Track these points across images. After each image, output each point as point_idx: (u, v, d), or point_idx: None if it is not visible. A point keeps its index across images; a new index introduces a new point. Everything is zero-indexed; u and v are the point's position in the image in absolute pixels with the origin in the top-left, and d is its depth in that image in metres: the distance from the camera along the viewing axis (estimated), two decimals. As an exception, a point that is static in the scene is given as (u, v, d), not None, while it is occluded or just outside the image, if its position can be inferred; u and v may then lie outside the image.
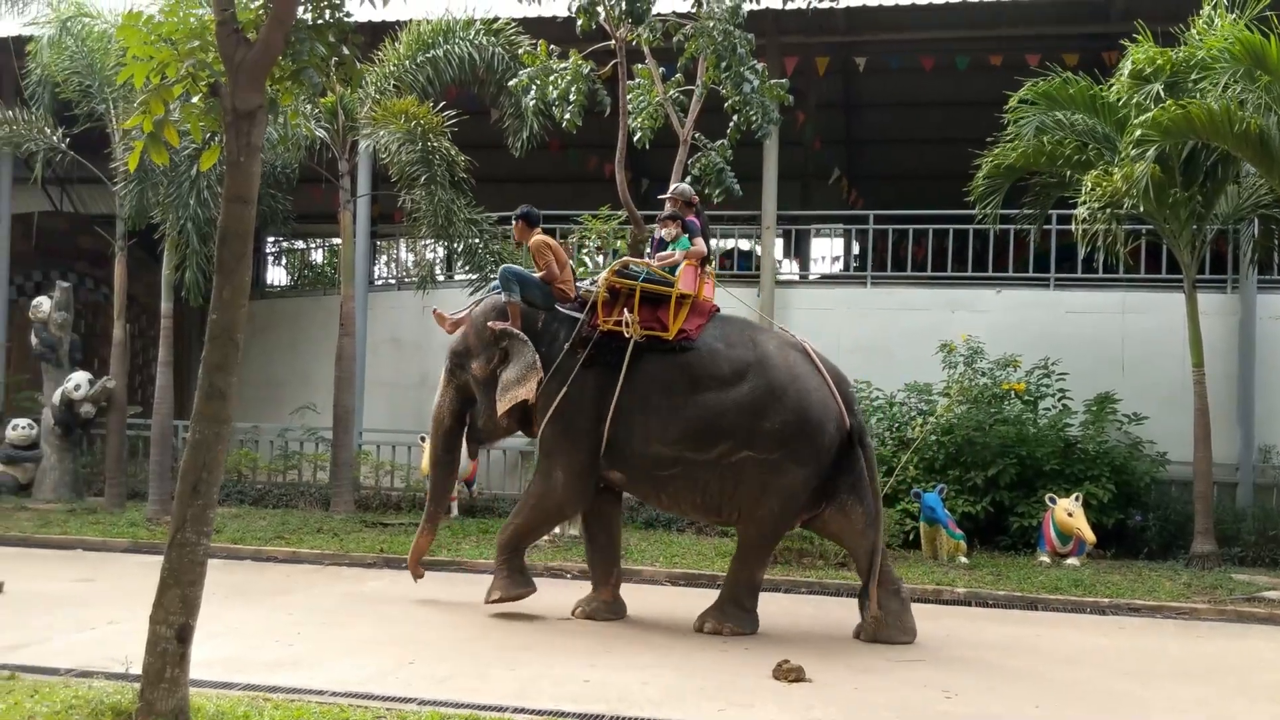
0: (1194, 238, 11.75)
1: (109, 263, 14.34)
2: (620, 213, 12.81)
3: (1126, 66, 11.43)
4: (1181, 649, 8.42)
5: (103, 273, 17.14)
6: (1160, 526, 12.14)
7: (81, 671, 6.23)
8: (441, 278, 16.50)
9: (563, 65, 11.27)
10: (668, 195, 9.11)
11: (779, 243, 16.92)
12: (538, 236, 8.98)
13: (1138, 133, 10.69)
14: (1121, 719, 6.40)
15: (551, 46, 11.59)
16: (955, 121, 18.06)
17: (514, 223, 9.41)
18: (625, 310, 8.26)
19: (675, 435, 8.13)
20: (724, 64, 10.71)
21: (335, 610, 8.67)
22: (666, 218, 8.84)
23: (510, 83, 12.17)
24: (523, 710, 5.91)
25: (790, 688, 6.61)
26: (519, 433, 9.16)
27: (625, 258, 9.28)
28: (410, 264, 19.28)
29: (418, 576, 9.15)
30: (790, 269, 19.45)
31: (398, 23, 13.62)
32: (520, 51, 12.74)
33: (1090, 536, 11.23)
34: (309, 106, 12.22)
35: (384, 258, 21.07)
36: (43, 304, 14.60)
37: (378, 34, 13.72)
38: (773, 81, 11.27)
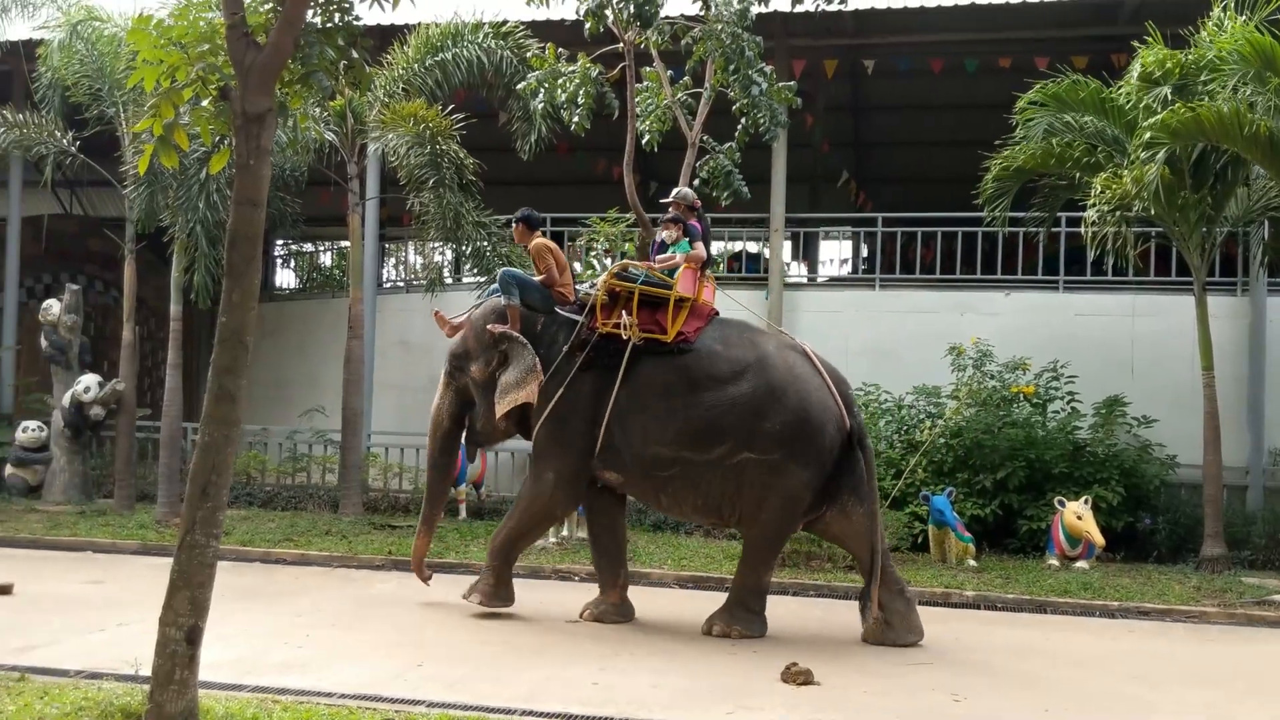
0: (1204, 240, 11.71)
1: (118, 266, 14.37)
2: (628, 215, 12.82)
3: (1136, 69, 11.41)
4: (1191, 653, 8.40)
5: (112, 275, 17.20)
6: (1170, 530, 12.11)
7: (91, 673, 6.25)
8: (450, 280, 16.50)
9: (571, 68, 11.29)
10: (670, 199, 9.12)
11: (787, 245, 16.91)
12: (538, 239, 9.02)
13: (1147, 135, 10.66)
14: (1131, 723, 6.39)
15: (560, 50, 11.61)
16: (964, 124, 18.04)
17: (514, 225, 9.46)
18: (624, 313, 8.28)
19: (673, 436, 8.14)
20: (732, 67, 10.72)
21: (344, 612, 8.68)
22: (668, 220, 8.88)
23: (519, 86, 12.19)
24: (532, 713, 5.93)
25: (799, 691, 6.60)
26: (517, 435, 9.16)
27: (624, 260, 9.30)
28: (419, 267, 19.28)
29: (425, 579, 9.17)
30: (799, 271, 19.44)
31: (406, 26, 13.63)
32: (528, 55, 12.74)
33: (1099, 539, 11.20)
34: (318, 110, 12.27)
35: (392, 260, 21.09)
36: (52, 306, 14.64)
37: (386, 37, 13.75)
38: (781, 84, 11.27)
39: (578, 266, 14.76)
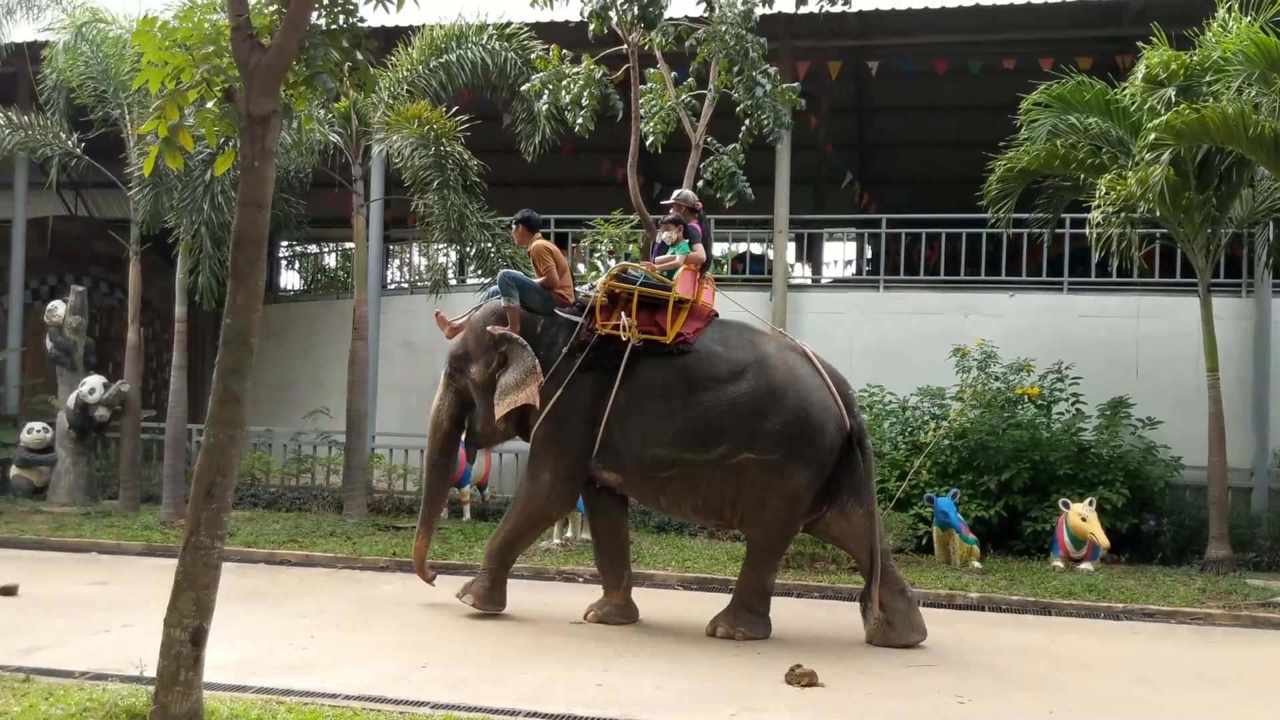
0: (1208, 241, 11.69)
1: (123, 267, 14.39)
2: (632, 217, 12.81)
3: (1140, 70, 11.40)
4: (1195, 654, 8.39)
5: (117, 277, 17.23)
6: (1174, 531, 12.09)
7: (96, 674, 6.26)
8: (454, 282, 16.52)
9: (575, 70, 11.30)
10: (671, 200, 9.12)
11: (791, 247, 16.89)
12: (538, 241, 9.04)
13: (1151, 136, 10.65)
14: (1136, 725, 6.38)
15: (564, 51, 11.61)
16: (968, 125, 18.03)
17: (514, 227, 9.48)
18: (623, 314, 8.30)
19: (673, 437, 8.16)
20: (736, 68, 10.72)
21: (348, 614, 8.69)
22: (669, 222, 8.90)
23: (523, 87, 12.19)
24: (535, 714, 5.93)
25: (803, 693, 6.60)
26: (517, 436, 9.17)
27: (623, 262, 9.31)
28: (423, 268, 19.30)
29: (428, 579, 9.19)
30: (802, 273, 19.45)
31: (411, 28, 13.65)
32: (533, 56, 12.74)
33: (1104, 541, 11.19)
34: (322, 111, 12.25)
35: (397, 262, 21.14)
36: (57, 308, 14.67)
37: (391, 39, 13.75)
38: (785, 85, 11.27)
39: (581, 268, 14.77)
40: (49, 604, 8.63)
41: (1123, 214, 11.21)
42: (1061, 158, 11.90)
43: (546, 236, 15.39)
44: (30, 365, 16.75)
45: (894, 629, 8.07)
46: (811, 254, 20.01)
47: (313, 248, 21.99)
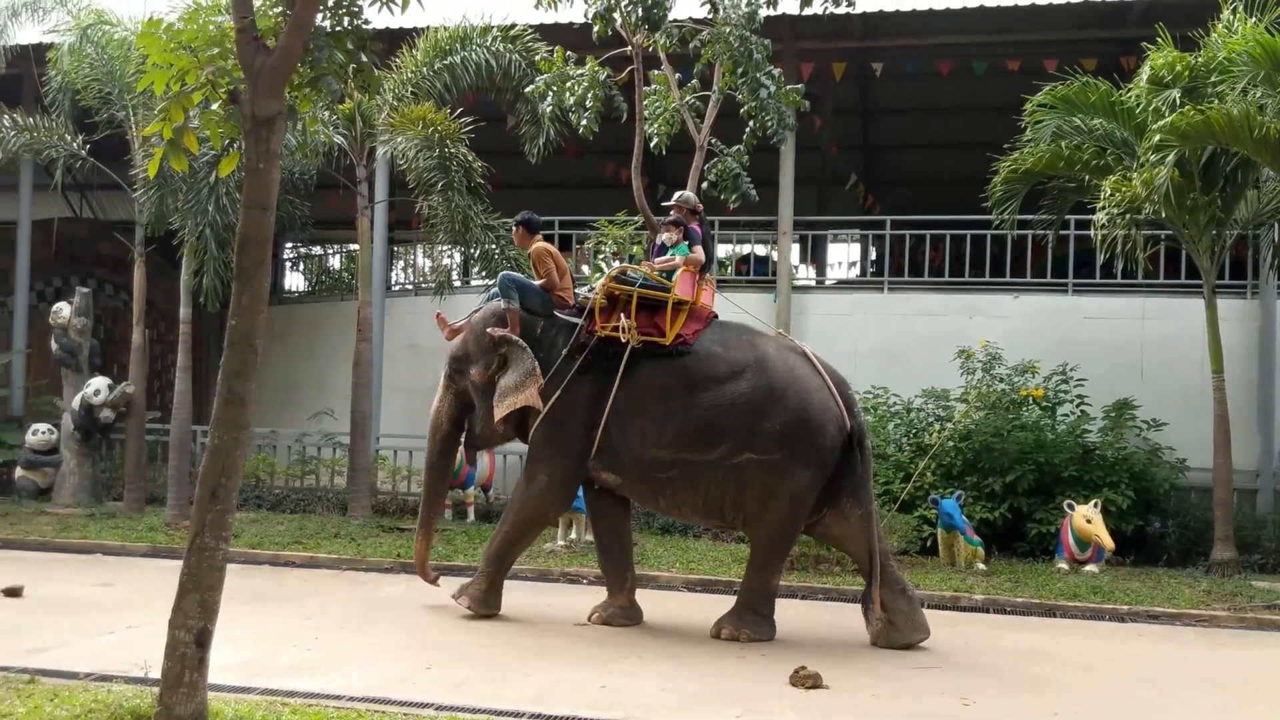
0: (1214, 243, 11.67)
1: (128, 269, 14.41)
2: (636, 218, 12.82)
3: (1145, 71, 11.39)
4: (1201, 657, 8.37)
5: (122, 279, 17.26)
6: (1180, 533, 12.07)
7: (101, 676, 6.27)
8: (458, 283, 16.53)
9: (579, 71, 11.30)
10: (672, 202, 9.13)
11: (795, 248, 16.91)
12: (538, 243, 9.04)
13: (1156, 138, 10.64)
14: (1141, 727, 6.37)
15: (568, 53, 11.62)
16: (972, 126, 18.03)
17: (514, 229, 9.48)
18: (622, 316, 8.30)
19: (672, 437, 8.16)
20: (740, 69, 10.72)
21: (352, 615, 8.69)
22: (669, 223, 8.91)
23: (527, 89, 12.20)
24: (539, 716, 5.93)
25: (807, 694, 6.59)
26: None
27: (623, 264, 9.31)
28: (427, 269, 19.33)
29: (431, 580, 9.20)
30: (807, 274, 19.44)
31: (415, 30, 13.66)
32: (537, 58, 12.77)
33: (1109, 543, 11.17)
34: (327, 113, 12.29)
35: (401, 263, 21.14)
36: (62, 310, 14.70)
37: (395, 41, 13.77)
38: (789, 87, 11.28)
39: (586, 269, 14.78)
40: (54, 605, 8.64)
41: (1128, 215, 11.19)
42: (1066, 159, 11.89)
43: (550, 238, 15.47)
44: (35, 367, 16.77)
45: (897, 629, 8.07)
46: (816, 255, 20.02)
47: (317, 249, 22.03)
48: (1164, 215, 11.26)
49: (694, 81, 11.77)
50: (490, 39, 13.44)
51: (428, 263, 19.70)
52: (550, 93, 11.45)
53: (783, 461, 8.01)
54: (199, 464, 5.29)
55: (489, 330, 8.66)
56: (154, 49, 5.36)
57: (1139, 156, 11.15)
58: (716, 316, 8.80)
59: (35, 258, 16.73)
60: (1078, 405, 12.75)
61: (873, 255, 19.59)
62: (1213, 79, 10.97)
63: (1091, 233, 11.74)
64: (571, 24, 12.45)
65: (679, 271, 8.47)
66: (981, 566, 11.28)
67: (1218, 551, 11.38)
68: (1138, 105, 11.43)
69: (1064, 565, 11.36)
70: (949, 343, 13.09)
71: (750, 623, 8.19)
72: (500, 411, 8.49)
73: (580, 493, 9.11)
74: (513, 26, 13.60)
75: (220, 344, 5.12)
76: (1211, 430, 11.62)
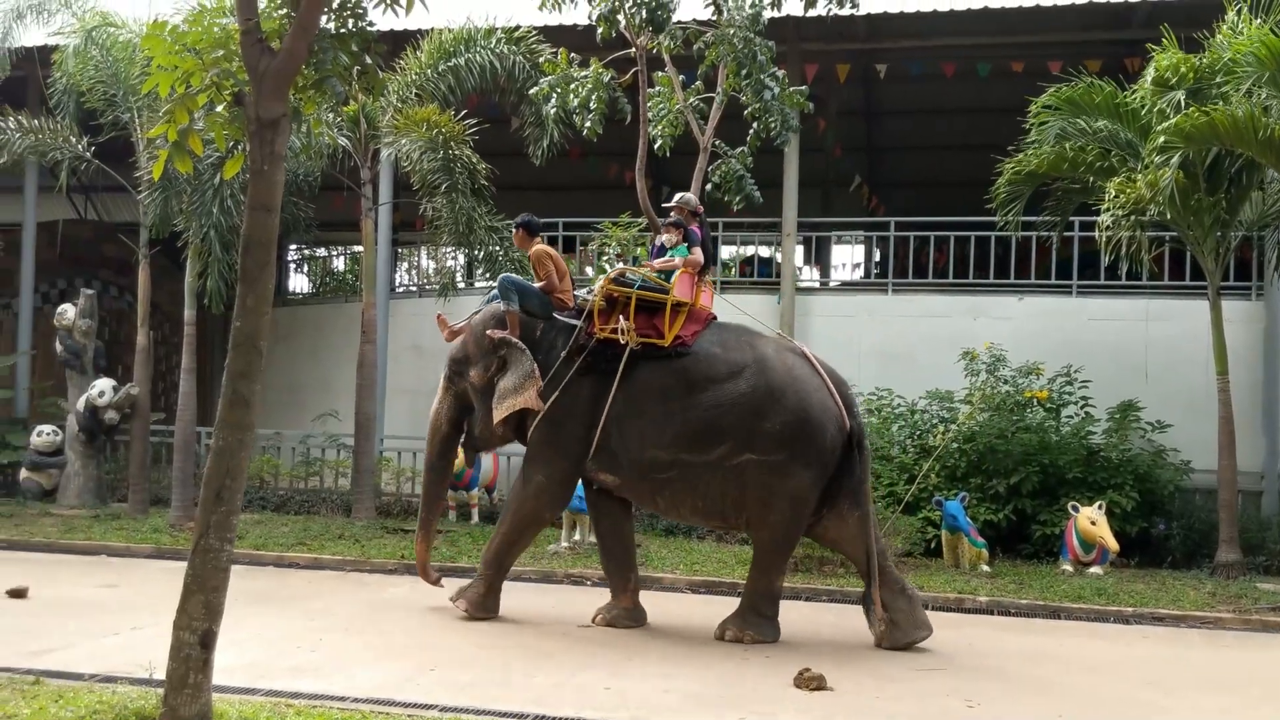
0: (1218, 244, 11.66)
1: (133, 270, 14.43)
2: (640, 220, 12.82)
3: (1150, 73, 11.37)
4: (1206, 658, 8.36)
5: (127, 280, 17.27)
6: (1184, 535, 12.06)
7: (105, 677, 6.27)
8: (462, 285, 16.54)
9: (583, 73, 11.32)
10: (673, 203, 9.13)
11: (799, 250, 16.88)
12: (538, 246, 9.06)
13: (1161, 139, 10.63)
14: (1146, 729, 6.36)
15: (572, 55, 11.64)
16: (976, 128, 18.02)
17: (514, 231, 9.49)
18: (621, 318, 8.31)
19: (671, 438, 8.17)
20: (744, 71, 10.72)
21: (357, 616, 8.69)
22: (669, 225, 8.92)
23: (531, 91, 12.21)
24: (544, 717, 5.93)
25: (811, 696, 6.59)
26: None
27: (621, 266, 9.32)
28: (431, 271, 19.35)
29: (433, 582, 9.20)
30: (811, 276, 19.43)
31: (419, 31, 13.67)
32: (541, 60, 12.78)
33: (1113, 545, 11.16)
34: (331, 115, 12.31)
35: (405, 265, 21.15)
36: (67, 311, 14.72)
37: (400, 43, 13.79)
38: (793, 89, 11.28)
39: (590, 271, 14.78)
40: (58, 606, 8.65)
41: (1132, 217, 11.19)
42: (1070, 160, 11.88)
43: (554, 240, 15.50)
44: (40, 368, 16.80)
45: (899, 628, 8.07)
46: (820, 257, 20.00)
47: (321, 251, 22.05)
48: (1168, 217, 11.25)
49: (698, 83, 11.77)
50: (494, 41, 13.46)
51: (432, 264, 19.72)
52: (554, 94, 11.46)
53: (784, 462, 8.01)
54: (203, 465, 5.30)
55: (488, 332, 8.67)
56: (159, 51, 5.37)
57: (1143, 158, 11.14)
58: (715, 318, 8.81)
59: (40, 259, 16.76)
60: (1082, 407, 12.73)
61: (877, 257, 19.55)
62: (1217, 80, 10.96)
63: (1096, 234, 11.73)
64: (575, 26, 12.45)
65: (677, 273, 8.47)
66: (986, 568, 11.27)
67: (1222, 553, 11.36)
68: (1142, 107, 11.42)
69: (1068, 567, 11.35)
70: (953, 344, 13.09)
71: (754, 624, 8.18)
72: (499, 413, 8.50)
73: (582, 494, 9.12)
74: (517, 28, 13.62)
75: (224, 346, 5.14)
76: (1216, 432, 11.61)
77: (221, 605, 5.00)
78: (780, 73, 11.08)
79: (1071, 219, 13.32)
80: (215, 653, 5.01)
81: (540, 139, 12.96)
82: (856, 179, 19.70)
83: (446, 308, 12.68)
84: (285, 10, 5.25)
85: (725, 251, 18.97)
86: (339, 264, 22.33)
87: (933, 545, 11.80)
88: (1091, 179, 11.99)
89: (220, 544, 4.96)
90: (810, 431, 8.06)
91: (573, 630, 8.43)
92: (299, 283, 22.29)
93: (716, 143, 11.66)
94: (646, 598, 8.94)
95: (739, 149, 11.53)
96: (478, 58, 13.37)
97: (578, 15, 11.10)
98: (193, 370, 13.51)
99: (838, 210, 19.15)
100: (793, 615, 8.78)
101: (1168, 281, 13.95)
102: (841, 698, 6.59)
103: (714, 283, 9.22)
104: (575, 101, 11.25)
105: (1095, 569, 11.26)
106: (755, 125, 11.17)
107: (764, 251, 18.60)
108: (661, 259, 8.78)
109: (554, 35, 13.25)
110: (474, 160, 13.19)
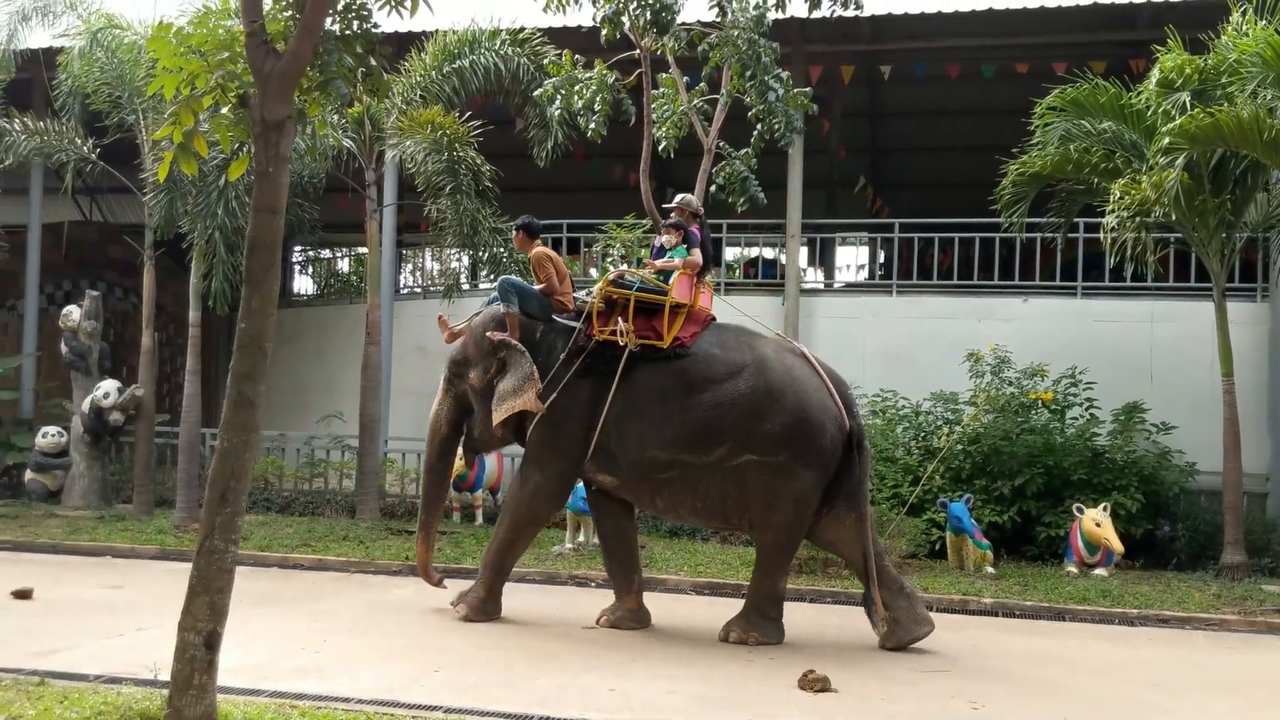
0: (1223, 246, 11.65)
1: (138, 272, 14.45)
2: (645, 221, 12.82)
3: (1155, 74, 11.36)
4: (1211, 660, 8.35)
5: (131, 282, 17.29)
6: (1189, 537, 12.04)
7: (110, 678, 6.28)
8: (467, 286, 16.55)
9: (588, 75, 11.33)
10: (673, 204, 9.14)
11: (804, 251, 16.89)
12: (538, 248, 9.06)
13: (1166, 140, 10.62)
14: (1151, 731, 6.36)
15: (576, 56, 11.66)
16: (981, 129, 18.00)
17: (514, 233, 9.50)
18: (619, 320, 8.32)
19: (671, 439, 8.17)
20: (749, 73, 10.73)
21: (361, 618, 8.70)
22: (669, 226, 8.91)
23: (535, 92, 12.23)
24: (548, 719, 5.92)
25: (816, 698, 6.59)
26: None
27: (620, 268, 9.32)
28: (436, 273, 19.35)
29: (435, 583, 9.20)
30: (815, 277, 19.42)
31: (424, 33, 13.69)
32: (545, 61, 12.79)
33: (1118, 547, 11.13)
34: (336, 117, 12.33)
35: (410, 266, 21.16)
36: (72, 313, 14.74)
37: (404, 45, 13.80)
38: (797, 90, 11.28)
39: (594, 273, 14.78)
40: (63, 607, 8.67)
41: (1137, 218, 11.18)
42: (1075, 162, 11.87)
43: (559, 241, 15.51)
44: (45, 370, 16.83)
45: (901, 625, 8.08)
46: (824, 258, 20.00)
47: (326, 253, 22.07)
48: (1173, 218, 11.24)
49: (702, 85, 11.78)
50: (499, 43, 13.48)
51: (436, 266, 19.71)
52: (559, 96, 11.47)
53: (785, 463, 8.01)
54: (208, 467, 5.31)
55: (488, 334, 8.68)
56: (164, 53, 5.38)
57: (1148, 159, 11.14)
58: (714, 319, 8.81)
59: (45, 261, 16.80)
60: (1087, 408, 12.72)
61: (881, 258, 19.56)
62: (1222, 81, 10.95)
63: (1101, 235, 11.73)
64: (580, 27, 12.47)
65: (676, 274, 8.47)
66: (990, 570, 11.25)
67: (1227, 555, 11.35)
68: (1147, 108, 11.41)
69: (1073, 569, 11.33)
70: (957, 346, 13.06)
71: (759, 626, 8.18)
72: (498, 415, 8.51)
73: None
74: (521, 30, 13.63)
75: (229, 347, 5.15)
76: (1221, 434, 11.59)
77: (226, 606, 5.01)
78: (784, 74, 11.08)
79: (1076, 220, 13.32)
80: (220, 654, 5.01)
81: (545, 140, 12.97)
82: (861, 180, 19.69)
83: (451, 309, 12.70)
84: (290, 12, 5.26)
85: (730, 253, 18.98)
86: (344, 266, 22.37)
87: (937, 547, 11.79)
88: (1096, 180, 11.98)
89: (225, 545, 4.97)
90: (810, 432, 8.06)
91: (577, 632, 8.43)
92: (304, 284, 22.32)
93: (721, 144, 11.66)
94: (651, 599, 8.94)
95: (743, 150, 11.54)
96: (482, 59, 13.38)
97: (582, 17, 11.14)
98: (197, 372, 13.53)
99: (842, 212, 19.14)
100: (797, 617, 8.78)
101: (1173, 283, 13.93)
102: (846, 699, 6.59)
103: (713, 284, 9.19)
104: (580, 103, 11.27)
105: (1100, 571, 11.25)
106: (759, 127, 11.18)
107: (768, 253, 18.59)
108: (660, 260, 8.79)
109: (558, 37, 13.26)
110: (478, 162, 13.21)
